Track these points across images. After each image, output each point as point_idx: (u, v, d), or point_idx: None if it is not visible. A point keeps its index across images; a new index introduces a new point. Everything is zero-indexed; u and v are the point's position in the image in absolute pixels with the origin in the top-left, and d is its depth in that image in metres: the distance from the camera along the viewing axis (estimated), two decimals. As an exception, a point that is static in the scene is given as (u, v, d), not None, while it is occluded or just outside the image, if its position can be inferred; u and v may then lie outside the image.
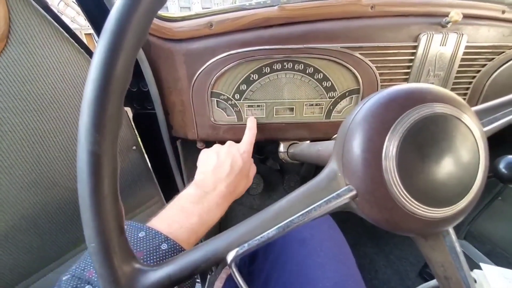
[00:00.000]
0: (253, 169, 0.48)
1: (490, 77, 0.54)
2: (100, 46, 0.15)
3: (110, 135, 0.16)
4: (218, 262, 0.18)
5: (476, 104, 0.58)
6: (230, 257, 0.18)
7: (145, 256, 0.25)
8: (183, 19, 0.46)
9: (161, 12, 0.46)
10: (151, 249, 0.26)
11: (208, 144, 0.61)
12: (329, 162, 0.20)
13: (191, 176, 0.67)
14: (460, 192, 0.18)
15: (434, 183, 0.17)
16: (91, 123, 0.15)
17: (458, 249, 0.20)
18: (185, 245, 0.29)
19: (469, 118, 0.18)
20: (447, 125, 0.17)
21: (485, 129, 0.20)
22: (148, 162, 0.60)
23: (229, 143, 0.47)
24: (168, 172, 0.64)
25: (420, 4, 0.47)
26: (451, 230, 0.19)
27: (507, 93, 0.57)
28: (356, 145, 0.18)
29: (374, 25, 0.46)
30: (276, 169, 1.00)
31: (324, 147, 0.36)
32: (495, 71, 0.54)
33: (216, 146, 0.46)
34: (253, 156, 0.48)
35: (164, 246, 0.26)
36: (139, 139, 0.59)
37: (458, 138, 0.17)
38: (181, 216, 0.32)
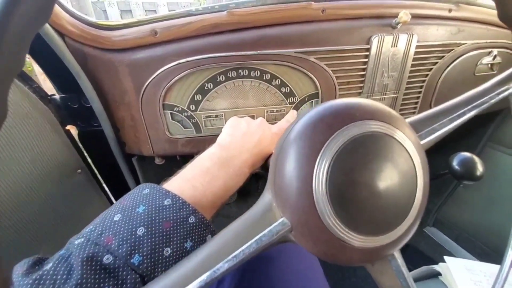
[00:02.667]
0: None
1: (442, 74, 0.56)
2: None
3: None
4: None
5: (431, 101, 0.60)
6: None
7: (172, 228, 0.22)
8: (123, 26, 0.42)
9: (96, 20, 0.41)
10: (178, 221, 0.23)
11: (167, 158, 0.57)
12: (264, 192, 0.18)
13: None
14: (398, 216, 0.16)
15: (369, 210, 0.15)
16: None
17: (406, 272, 0.18)
18: (209, 212, 0.27)
19: (402, 134, 0.16)
20: (378, 144, 0.16)
21: (423, 142, 0.19)
22: (101, 184, 0.54)
23: (261, 118, 0.43)
24: (127, 191, 0.59)
25: (370, 6, 0.47)
26: (396, 254, 0.18)
27: (459, 88, 0.60)
28: (286, 172, 0.16)
29: (326, 29, 0.45)
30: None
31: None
32: (446, 68, 0.56)
33: (249, 118, 0.43)
34: None
35: (191, 219, 0.24)
36: (89, 159, 0.54)
37: (391, 157, 0.16)
38: (206, 178, 0.28)
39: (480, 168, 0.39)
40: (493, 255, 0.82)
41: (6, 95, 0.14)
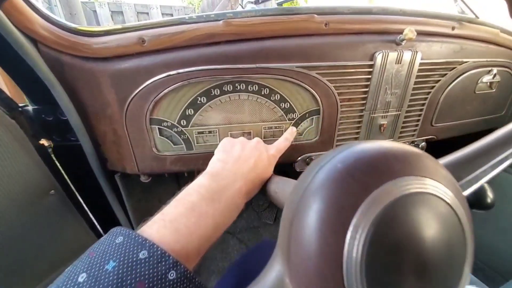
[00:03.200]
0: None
1: (443, 92, 0.55)
2: None
3: None
4: None
5: (432, 119, 0.58)
6: None
7: None
8: (106, 33, 0.37)
9: (75, 25, 0.37)
10: (155, 279, 0.19)
11: (156, 176, 0.52)
12: (274, 259, 0.14)
13: (137, 213, 0.58)
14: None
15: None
16: None
17: None
18: (195, 258, 0.24)
19: (448, 191, 0.13)
20: (426, 209, 0.12)
21: (465, 193, 0.16)
22: (79, 204, 0.49)
23: (257, 138, 0.40)
24: (108, 212, 0.53)
25: (374, 21, 0.44)
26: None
27: (459, 106, 0.59)
28: (305, 247, 0.12)
29: (329, 43, 0.42)
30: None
31: (280, 190, 0.30)
32: (448, 85, 0.55)
33: (243, 139, 0.40)
34: None
35: (172, 275, 0.19)
36: (66, 177, 0.48)
37: (442, 226, 0.12)
38: (191, 218, 0.24)
39: (490, 195, 0.37)
40: (502, 281, 0.80)
41: None
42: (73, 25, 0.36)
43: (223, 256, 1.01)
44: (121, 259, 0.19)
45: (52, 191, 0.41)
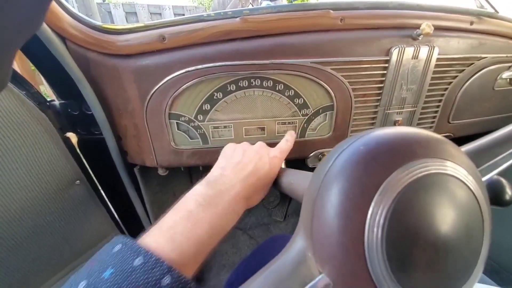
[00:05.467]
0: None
1: (461, 88, 0.54)
2: None
3: None
4: None
5: (449, 116, 0.57)
6: None
7: None
8: (129, 31, 0.39)
9: (102, 23, 0.39)
10: (149, 284, 0.19)
11: (172, 169, 0.54)
12: (296, 234, 0.15)
13: (154, 206, 0.60)
14: (464, 275, 0.13)
15: (437, 272, 0.12)
16: None
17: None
18: (193, 264, 0.24)
19: (469, 175, 0.14)
20: (444, 189, 0.13)
21: (484, 179, 0.16)
22: (100, 195, 0.51)
23: (259, 143, 0.40)
24: (127, 203, 0.56)
25: (390, 16, 0.44)
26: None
27: (478, 102, 0.57)
28: (329, 222, 0.13)
29: (344, 39, 0.42)
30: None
31: (296, 181, 0.31)
32: (466, 82, 0.53)
33: (245, 143, 0.40)
34: None
35: (166, 280, 0.20)
36: (89, 169, 0.51)
37: (459, 205, 0.13)
38: (187, 224, 0.25)
39: (509, 192, 0.36)
40: (504, 273, 0.79)
41: None
42: (98, 23, 0.38)
43: (234, 251, 1.03)
44: (118, 266, 0.19)
45: (78, 181, 0.43)
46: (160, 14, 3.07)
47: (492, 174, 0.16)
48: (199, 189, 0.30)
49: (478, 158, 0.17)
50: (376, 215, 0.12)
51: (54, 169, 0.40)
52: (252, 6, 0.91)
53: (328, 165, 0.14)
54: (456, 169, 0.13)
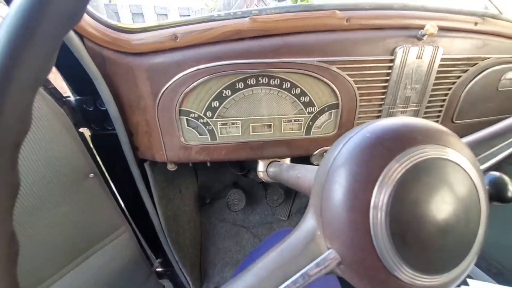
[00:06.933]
0: None
1: (465, 88, 0.54)
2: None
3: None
4: None
5: (453, 116, 0.58)
6: None
7: None
8: (143, 30, 0.41)
9: (117, 22, 0.41)
10: None
11: (180, 165, 0.56)
12: (306, 215, 0.17)
13: (162, 201, 0.61)
14: (462, 251, 0.14)
15: (435, 247, 0.13)
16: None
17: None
18: None
19: (467, 161, 0.15)
20: (443, 172, 0.14)
21: (482, 167, 0.17)
22: (111, 189, 0.53)
23: None
24: (136, 197, 0.58)
25: (395, 16, 0.45)
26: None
27: (481, 102, 0.58)
28: (337, 201, 0.14)
29: (350, 39, 0.43)
30: (258, 182, 0.97)
31: (302, 174, 0.32)
32: (470, 82, 0.54)
33: None
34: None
35: None
36: (100, 163, 0.53)
37: (457, 187, 0.14)
38: None
39: (511, 189, 0.37)
40: (509, 275, 0.79)
41: (31, 105, 0.13)
42: (114, 23, 0.40)
43: (237, 248, 1.04)
44: None
45: (91, 174, 0.45)
46: (166, 15, 3.11)
47: (490, 163, 0.17)
48: None
49: (477, 148, 0.18)
50: (381, 194, 0.13)
51: (70, 162, 0.41)
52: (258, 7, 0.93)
53: (337, 151, 0.16)
54: (456, 155, 0.15)
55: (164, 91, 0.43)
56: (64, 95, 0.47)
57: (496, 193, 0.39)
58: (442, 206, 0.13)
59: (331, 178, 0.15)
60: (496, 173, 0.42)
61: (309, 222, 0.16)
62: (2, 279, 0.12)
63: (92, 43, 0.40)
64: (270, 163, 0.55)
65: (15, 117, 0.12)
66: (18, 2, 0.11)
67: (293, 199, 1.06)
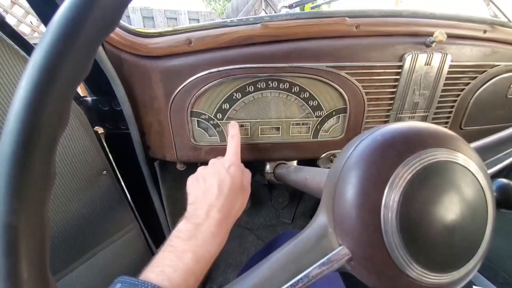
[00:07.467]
0: (247, 177, 0.44)
1: (473, 95, 0.55)
2: (24, 83, 0.12)
3: (34, 203, 0.12)
4: None
5: (461, 122, 0.58)
6: None
7: None
8: (159, 35, 0.43)
9: (134, 27, 0.42)
10: None
11: (189, 165, 0.57)
12: (318, 213, 0.17)
13: (170, 200, 0.63)
14: (470, 250, 0.15)
15: (443, 245, 0.14)
16: (7, 188, 0.11)
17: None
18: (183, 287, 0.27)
19: (474, 165, 0.15)
20: (452, 174, 0.15)
21: (489, 171, 0.18)
22: (121, 186, 0.55)
23: (212, 161, 0.43)
24: (145, 195, 0.59)
25: (404, 24, 0.46)
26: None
27: (490, 110, 0.58)
28: (349, 200, 0.15)
29: (359, 45, 0.44)
30: (263, 184, 0.97)
31: (311, 176, 0.33)
32: (478, 89, 0.54)
33: (201, 169, 0.42)
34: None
35: None
36: (112, 161, 0.54)
37: (465, 189, 0.15)
38: (173, 258, 0.29)
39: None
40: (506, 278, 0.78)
41: (70, 102, 0.14)
42: (132, 27, 0.42)
43: (241, 250, 1.04)
44: None
45: (104, 172, 0.47)
46: (175, 19, 3.17)
47: (497, 168, 0.18)
48: (179, 227, 0.33)
49: (484, 153, 0.18)
50: (392, 193, 0.14)
51: (85, 159, 0.43)
52: (266, 12, 0.95)
53: (349, 152, 0.16)
54: (464, 159, 0.15)
55: (177, 93, 0.45)
56: (82, 95, 0.49)
57: (504, 200, 0.39)
58: (450, 207, 0.14)
59: (343, 178, 0.16)
60: (504, 180, 0.42)
61: (321, 219, 0.17)
62: (34, 259, 0.13)
63: (112, 47, 0.42)
64: (277, 165, 0.56)
65: (56, 112, 0.13)
66: (66, 10, 0.12)
67: (298, 202, 1.07)
